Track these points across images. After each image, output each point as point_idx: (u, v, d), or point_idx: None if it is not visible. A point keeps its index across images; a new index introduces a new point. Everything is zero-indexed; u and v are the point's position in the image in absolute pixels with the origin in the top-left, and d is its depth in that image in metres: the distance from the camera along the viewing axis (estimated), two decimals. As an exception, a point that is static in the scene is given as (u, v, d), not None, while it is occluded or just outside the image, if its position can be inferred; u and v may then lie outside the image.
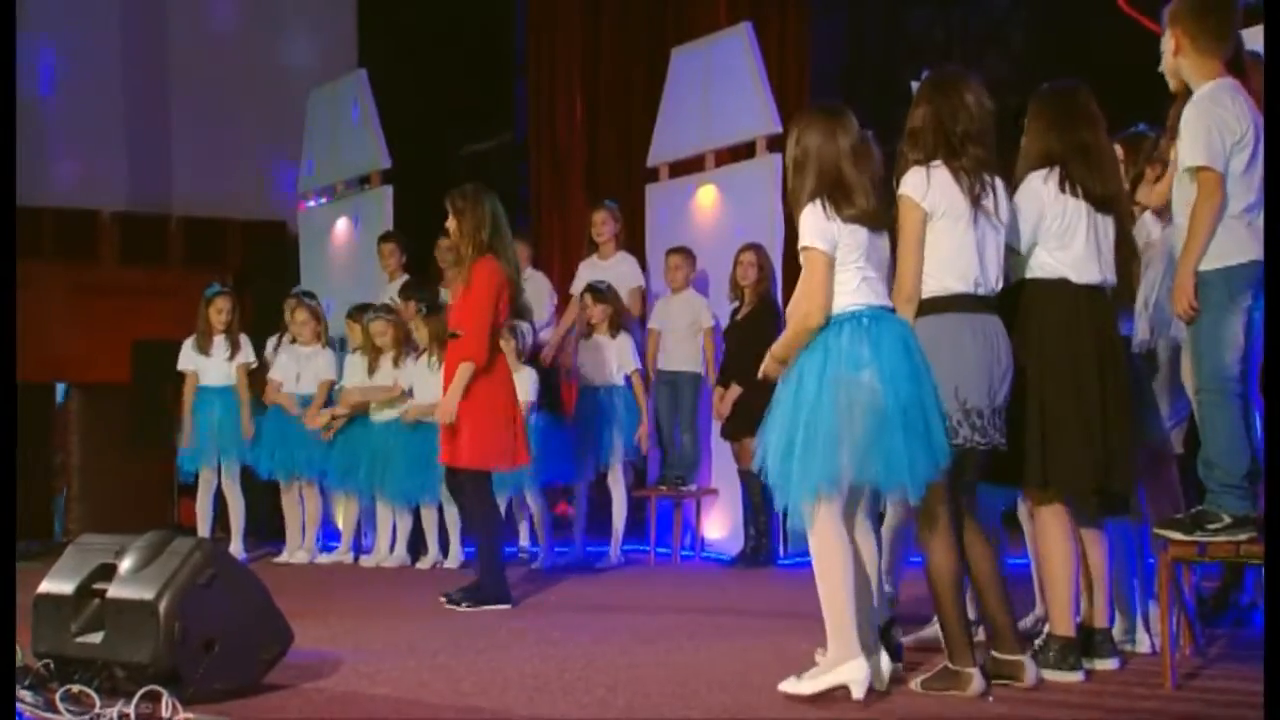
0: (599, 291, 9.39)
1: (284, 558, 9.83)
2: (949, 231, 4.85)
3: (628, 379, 9.32)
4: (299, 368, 9.94)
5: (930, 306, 4.86)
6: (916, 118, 4.96)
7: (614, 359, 9.31)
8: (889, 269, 4.88)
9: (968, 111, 4.90)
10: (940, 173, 4.88)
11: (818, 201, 4.73)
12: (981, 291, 4.88)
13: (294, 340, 10.03)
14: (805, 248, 4.72)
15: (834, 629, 4.66)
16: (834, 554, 4.65)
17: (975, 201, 4.86)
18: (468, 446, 7.31)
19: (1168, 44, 5.01)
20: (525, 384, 8.68)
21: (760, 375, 4.88)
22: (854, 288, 4.71)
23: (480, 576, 7.41)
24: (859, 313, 4.69)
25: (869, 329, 4.66)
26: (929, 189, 4.87)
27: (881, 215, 4.82)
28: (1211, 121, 4.82)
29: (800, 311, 4.73)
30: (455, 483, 7.62)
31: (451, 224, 7.44)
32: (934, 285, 4.87)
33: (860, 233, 4.73)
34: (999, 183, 4.97)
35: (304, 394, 9.91)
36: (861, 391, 4.58)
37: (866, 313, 4.69)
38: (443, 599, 7.30)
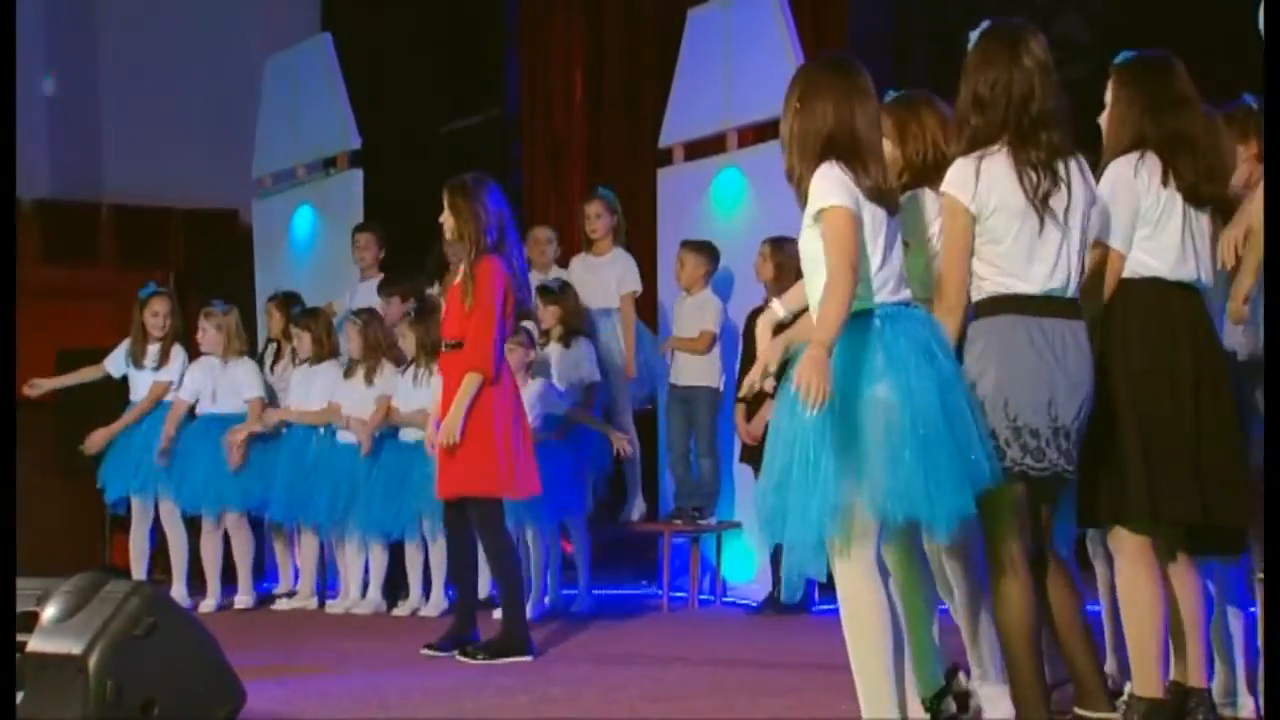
0: (549, 290, 9.41)
1: (205, 607, 9.72)
2: (1006, 227, 4.80)
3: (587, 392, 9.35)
4: (214, 383, 9.94)
5: (985, 307, 4.83)
6: (983, 83, 4.87)
7: (574, 371, 9.32)
8: (900, 258, 4.81)
9: (1041, 81, 4.83)
10: (996, 163, 4.79)
11: (828, 164, 4.65)
12: (1052, 292, 4.82)
13: (202, 352, 10.02)
14: (826, 208, 4.58)
15: (869, 696, 4.62)
16: (866, 607, 4.61)
17: (1042, 201, 4.78)
18: (475, 471, 7.34)
19: None
20: (532, 399, 8.65)
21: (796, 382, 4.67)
22: (867, 279, 4.64)
23: (502, 623, 7.47)
24: (870, 313, 4.64)
25: (883, 332, 4.62)
26: (977, 185, 4.78)
27: (895, 194, 4.80)
28: None
29: (831, 283, 4.51)
30: (457, 518, 7.59)
31: (448, 221, 7.45)
32: (989, 284, 4.83)
33: (879, 211, 4.68)
34: (1078, 171, 4.89)
35: (220, 414, 9.90)
36: (873, 408, 4.54)
37: (879, 311, 4.65)
38: (458, 655, 7.32)
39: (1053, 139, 4.83)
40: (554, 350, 9.38)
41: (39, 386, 10.01)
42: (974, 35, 5.01)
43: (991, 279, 4.83)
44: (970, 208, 4.80)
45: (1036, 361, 4.76)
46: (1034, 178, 4.79)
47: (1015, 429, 4.71)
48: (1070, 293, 4.87)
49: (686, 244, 9.70)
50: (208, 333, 9.96)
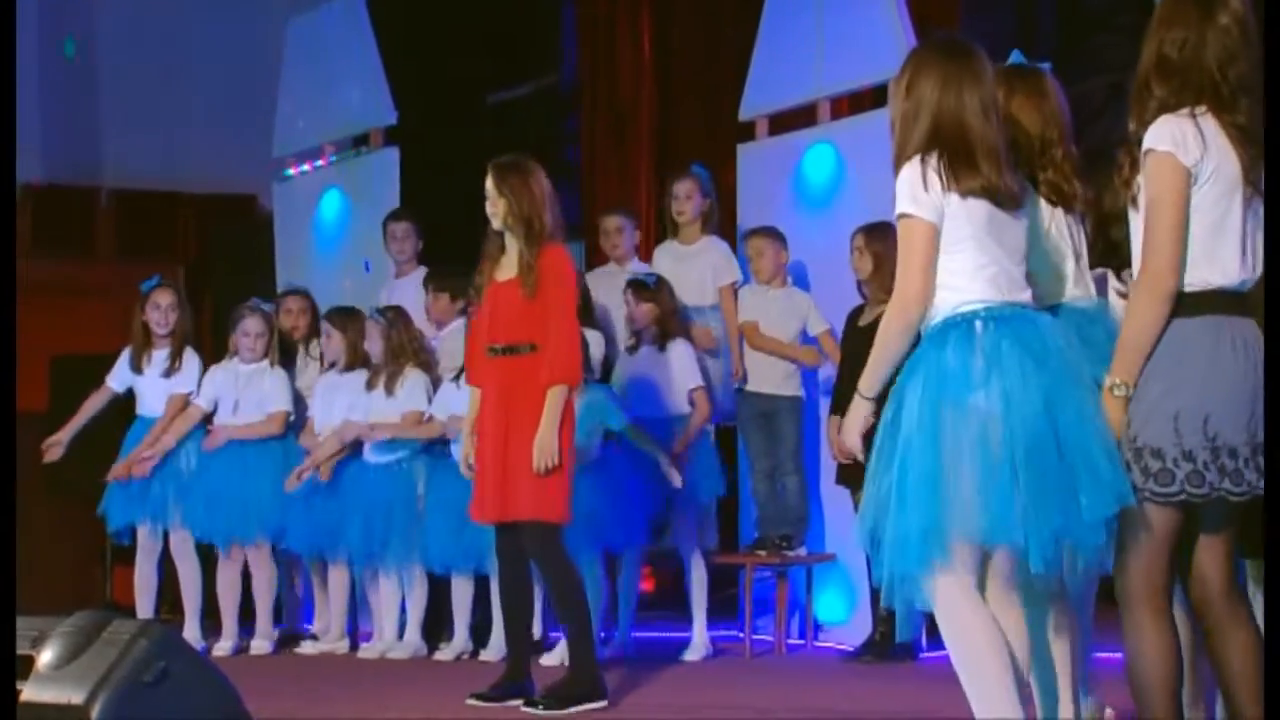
0: (643, 286, 9.37)
1: (221, 650, 9.75)
2: (1213, 206, 4.68)
3: (691, 400, 9.31)
4: (237, 393, 9.97)
5: (1177, 306, 4.70)
6: (1169, 44, 4.75)
7: (672, 377, 9.30)
8: (1023, 257, 4.89)
9: (1242, 41, 4.71)
10: (1210, 124, 4.68)
11: (918, 159, 4.77)
12: (1244, 285, 4.73)
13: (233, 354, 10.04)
14: (900, 215, 4.77)
15: None
16: (974, 643, 4.66)
17: (1248, 172, 4.68)
18: (545, 493, 7.29)
19: None
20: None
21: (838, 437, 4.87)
22: (966, 279, 4.73)
23: (570, 666, 7.46)
24: (972, 314, 4.71)
25: (984, 336, 4.68)
26: (1203, 143, 4.65)
27: (1015, 191, 4.83)
28: None
29: (890, 308, 4.81)
30: (513, 545, 7.61)
31: (498, 205, 7.40)
32: (1185, 277, 4.69)
33: (980, 208, 4.75)
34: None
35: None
36: (971, 420, 4.61)
37: (983, 313, 4.72)
38: (523, 707, 7.28)
39: (1254, 109, 4.71)
40: (646, 354, 9.37)
41: (57, 445, 10.00)
42: None
43: (1189, 268, 4.68)
44: (1189, 165, 4.64)
45: (1241, 372, 4.67)
46: (1242, 145, 4.67)
47: (1214, 449, 4.62)
48: (1252, 286, 4.78)
49: (761, 232, 9.69)
50: (248, 336, 9.93)
